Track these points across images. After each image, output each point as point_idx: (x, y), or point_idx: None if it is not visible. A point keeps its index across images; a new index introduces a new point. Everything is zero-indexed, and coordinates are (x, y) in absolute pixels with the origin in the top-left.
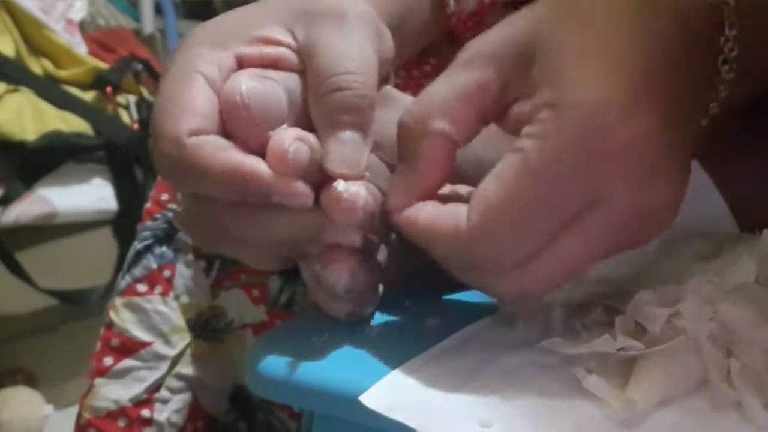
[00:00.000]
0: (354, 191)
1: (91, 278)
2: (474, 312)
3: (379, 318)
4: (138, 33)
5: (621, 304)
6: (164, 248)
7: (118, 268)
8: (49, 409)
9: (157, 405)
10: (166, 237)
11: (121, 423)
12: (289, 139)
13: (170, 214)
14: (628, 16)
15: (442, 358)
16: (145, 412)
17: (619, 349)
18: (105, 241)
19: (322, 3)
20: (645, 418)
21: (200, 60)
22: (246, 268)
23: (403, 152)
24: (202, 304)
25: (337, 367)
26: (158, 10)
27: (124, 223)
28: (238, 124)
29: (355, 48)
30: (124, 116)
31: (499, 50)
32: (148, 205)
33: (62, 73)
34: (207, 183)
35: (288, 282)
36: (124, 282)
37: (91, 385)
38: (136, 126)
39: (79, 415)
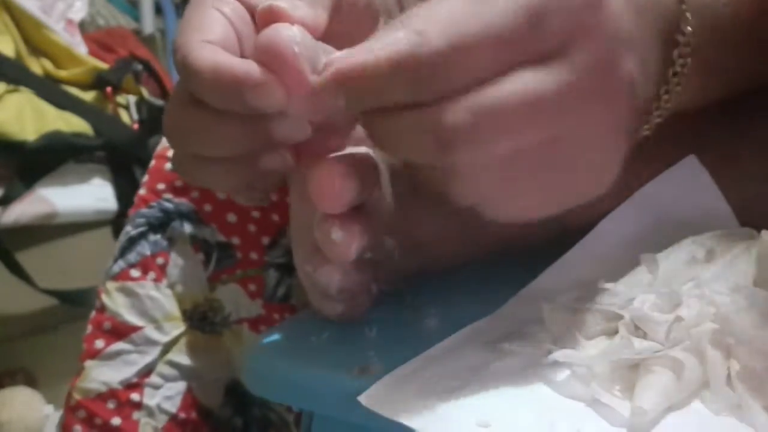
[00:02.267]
0: (348, 236)
1: (91, 278)
2: (474, 312)
3: (379, 318)
4: (138, 33)
5: (619, 309)
6: (158, 236)
7: None
8: (49, 409)
9: (147, 390)
10: (161, 225)
11: (111, 405)
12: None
13: (166, 203)
14: None
15: (441, 358)
16: (135, 396)
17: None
18: (105, 241)
19: None
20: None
21: None
22: (243, 263)
23: None
24: (198, 296)
25: (337, 367)
26: (158, 10)
27: (124, 223)
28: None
29: None
30: (124, 116)
31: None
32: (142, 192)
33: (62, 73)
34: (196, 81)
35: (285, 275)
36: (117, 267)
37: (81, 367)
38: (136, 126)
39: (69, 396)
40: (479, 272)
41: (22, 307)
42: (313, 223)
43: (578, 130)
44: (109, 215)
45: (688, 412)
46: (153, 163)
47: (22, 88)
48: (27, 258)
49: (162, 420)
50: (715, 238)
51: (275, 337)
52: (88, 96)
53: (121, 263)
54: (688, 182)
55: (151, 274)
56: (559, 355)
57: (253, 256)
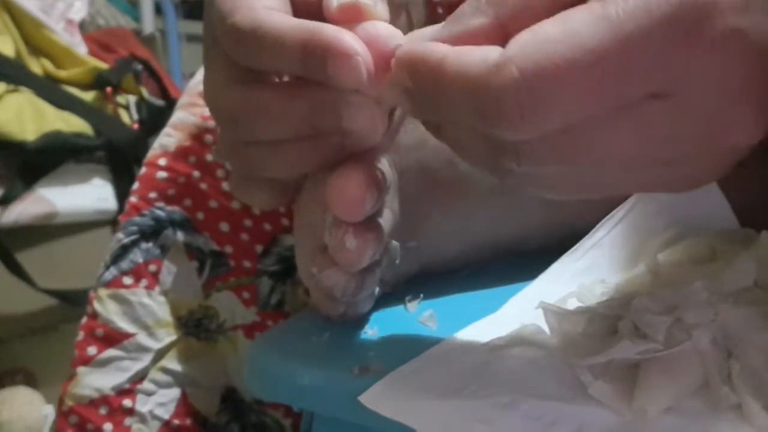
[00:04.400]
0: (362, 245)
1: (91, 278)
2: (474, 313)
3: (379, 318)
4: (138, 33)
5: (619, 309)
6: (150, 244)
7: None
8: (49, 409)
9: (140, 396)
10: (153, 233)
11: (103, 411)
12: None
13: (158, 212)
14: None
15: (442, 358)
16: (127, 402)
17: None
18: (105, 241)
19: None
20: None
21: None
22: (236, 271)
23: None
24: (193, 303)
25: (337, 367)
26: (158, 10)
27: None
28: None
29: None
30: (124, 116)
31: None
32: (133, 200)
33: (62, 73)
34: (272, 45)
35: (278, 283)
36: (109, 274)
37: (73, 373)
38: (136, 126)
39: (61, 402)
40: (479, 272)
41: (22, 307)
42: (323, 226)
43: (683, 79)
44: (109, 215)
45: (689, 412)
46: (144, 170)
47: (22, 88)
48: (27, 258)
49: (154, 426)
50: (716, 239)
51: (275, 337)
52: (88, 96)
53: (113, 270)
54: None
55: (144, 282)
56: (558, 355)
57: (247, 264)
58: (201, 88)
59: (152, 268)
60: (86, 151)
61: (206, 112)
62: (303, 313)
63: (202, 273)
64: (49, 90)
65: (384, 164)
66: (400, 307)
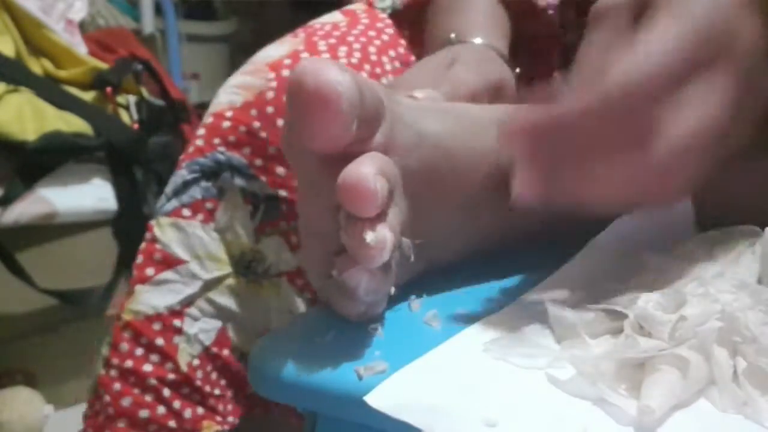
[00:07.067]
0: (381, 238)
1: (91, 278)
2: (479, 312)
3: (383, 318)
4: (138, 33)
5: (624, 308)
6: (209, 184)
7: (119, 269)
8: (49, 409)
9: (187, 319)
10: (213, 174)
11: (156, 327)
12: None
13: (219, 156)
14: None
15: (447, 358)
16: (177, 322)
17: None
18: (105, 241)
19: None
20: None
21: None
22: (288, 216)
23: None
24: (246, 244)
25: (342, 368)
26: (158, 10)
27: (124, 223)
28: None
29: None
30: (124, 116)
31: None
32: (199, 143)
33: (62, 73)
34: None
35: None
36: (170, 205)
37: (131, 290)
38: (136, 126)
39: (118, 317)
40: (483, 272)
41: (22, 307)
42: (335, 230)
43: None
44: (109, 215)
45: (695, 410)
46: (210, 120)
47: (22, 88)
48: (27, 258)
49: (197, 350)
50: (719, 237)
51: (280, 337)
52: (88, 96)
53: (174, 202)
54: None
55: (200, 216)
56: (564, 354)
57: None
58: (269, 60)
59: (209, 205)
60: (86, 151)
61: (270, 78)
62: (308, 313)
63: (254, 217)
64: (49, 90)
65: (389, 161)
66: (404, 307)
